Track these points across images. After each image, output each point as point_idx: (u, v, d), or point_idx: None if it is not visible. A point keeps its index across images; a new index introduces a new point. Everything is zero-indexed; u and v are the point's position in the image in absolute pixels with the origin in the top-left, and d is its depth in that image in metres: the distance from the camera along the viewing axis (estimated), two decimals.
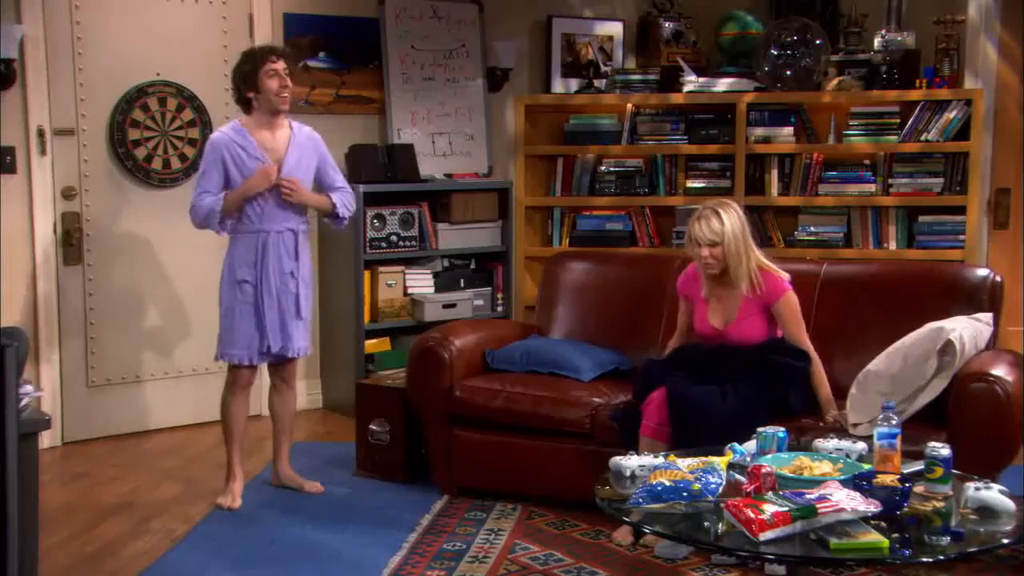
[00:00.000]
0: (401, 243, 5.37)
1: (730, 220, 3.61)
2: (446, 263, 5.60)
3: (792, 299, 3.65)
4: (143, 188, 5.04)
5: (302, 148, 4.06)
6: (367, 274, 5.29)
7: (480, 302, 5.61)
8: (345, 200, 4.18)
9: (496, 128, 5.85)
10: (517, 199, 5.69)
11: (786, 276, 3.69)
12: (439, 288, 5.50)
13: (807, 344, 3.61)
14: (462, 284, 5.59)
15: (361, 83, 5.53)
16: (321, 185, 4.18)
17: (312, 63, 5.41)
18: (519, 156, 5.70)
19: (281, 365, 4.15)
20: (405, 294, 5.43)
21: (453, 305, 5.42)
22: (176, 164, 5.09)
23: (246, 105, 4.02)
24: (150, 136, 5.02)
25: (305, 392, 5.53)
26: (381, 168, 5.32)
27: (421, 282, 5.46)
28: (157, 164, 5.05)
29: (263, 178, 3.94)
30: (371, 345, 5.32)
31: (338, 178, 4.20)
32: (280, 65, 3.98)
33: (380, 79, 5.54)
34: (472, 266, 5.67)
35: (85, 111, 4.87)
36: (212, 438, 4.99)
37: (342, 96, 5.49)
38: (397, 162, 5.35)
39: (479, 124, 5.76)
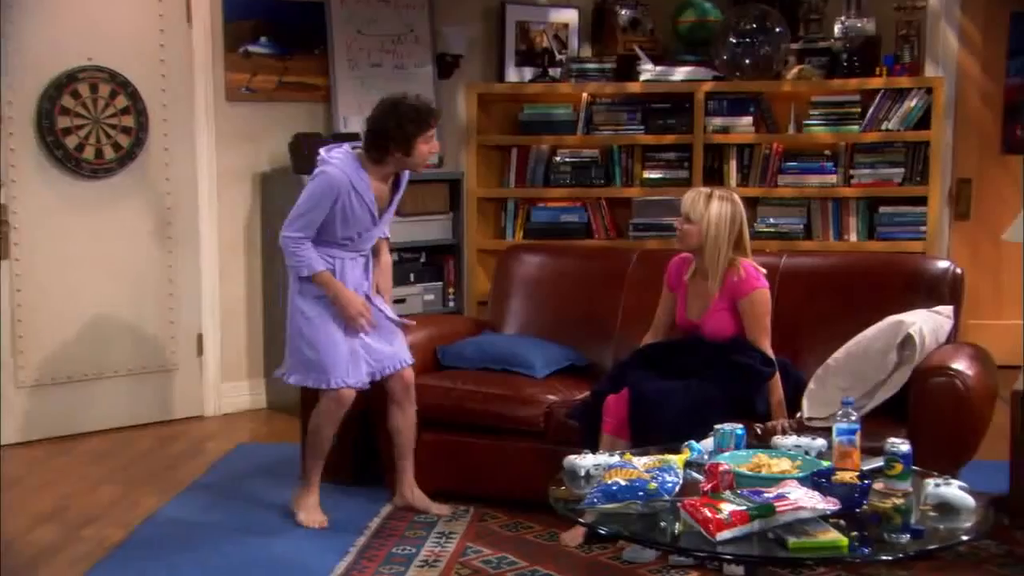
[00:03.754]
0: None
1: (718, 209, 3.61)
2: (395, 256, 5.55)
3: (760, 297, 3.62)
4: (74, 179, 4.95)
5: (400, 196, 3.91)
6: None
7: (431, 297, 5.60)
8: (387, 231, 4.03)
9: (447, 117, 5.80)
10: (469, 190, 5.67)
11: (765, 283, 3.65)
12: None
13: (766, 348, 3.60)
14: (412, 278, 5.56)
15: (305, 69, 5.48)
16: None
17: (253, 48, 5.35)
18: (471, 146, 5.69)
19: (394, 378, 3.92)
20: None
21: (403, 300, 5.40)
22: (110, 153, 5.01)
23: (379, 153, 3.73)
24: (81, 124, 4.93)
25: (248, 392, 5.50)
26: None
27: None
28: (89, 153, 4.97)
29: (357, 314, 3.77)
30: None
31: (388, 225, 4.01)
32: (435, 127, 3.78)
33: (325, 65, 5.49)
34: (422, 260, 5.65)
35: (11, 98, 4.77)
36: (151, 440, 4.95)
37: (285, 83, 5.44)
38: None
39: None
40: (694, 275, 3.75)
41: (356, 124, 5.52)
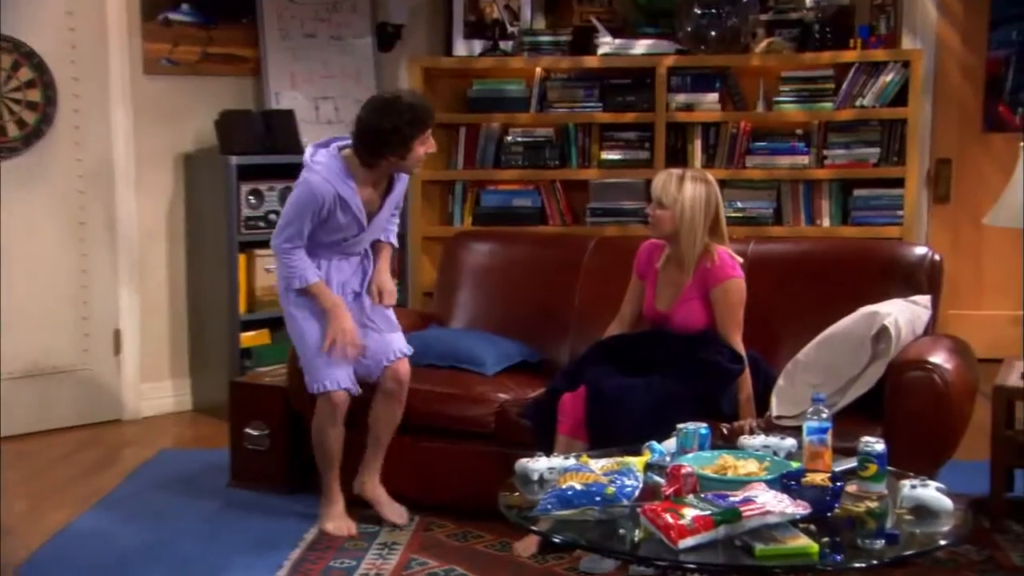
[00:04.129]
0: None
1: (692, 191, 3.62)
2: None
3: (734, 287, 3.64)
4: None
5: (395, 200, 3.88)
6: (242, 258, 5.22)
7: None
8: (394, 239, 4.02)
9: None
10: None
11: (740, 272, 3.68)
12: None
13: (737, 343, 3.63)
14: None
15: (232, 40, 5.43)
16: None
17: (173, 16, 5.29)
18: None
19: (387, 370, 3.89)
20: None
21: None
22: (13, 131, 4.94)
23: (371, 158, 3.66)
24: None
25: (171, 393, 5.45)
26: (257, 137, 5.24)
27: None
28: None
29: (343, 334, 3.74)
30: (247, 338, 5.25)
31: (395, 214, 3.99)
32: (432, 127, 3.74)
33: (254, 35, 5.45)
34: None
35: None
36: (62, 447, 4.87)
37: (210, 55, 5.39)
38: (275, 130, 5.29)
39: (368, 87, 5.68)
40: (666, 263, 3.75)
41: (289, 100, 5.49)
